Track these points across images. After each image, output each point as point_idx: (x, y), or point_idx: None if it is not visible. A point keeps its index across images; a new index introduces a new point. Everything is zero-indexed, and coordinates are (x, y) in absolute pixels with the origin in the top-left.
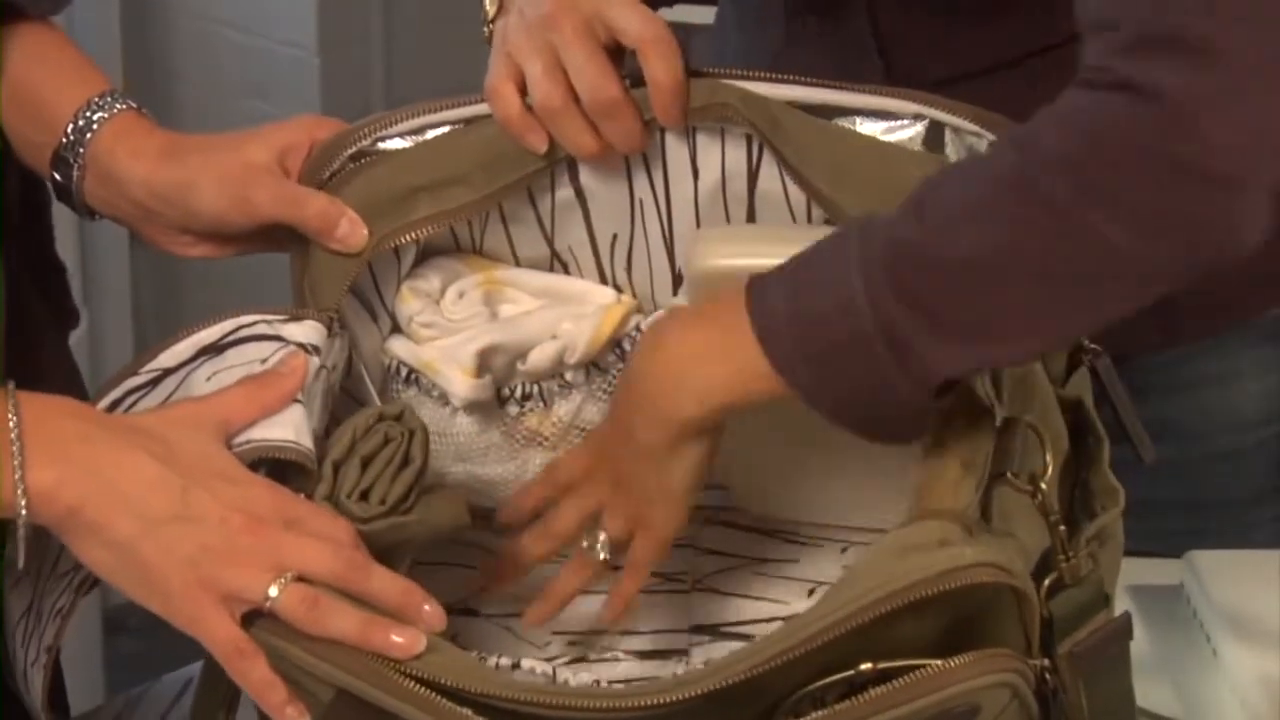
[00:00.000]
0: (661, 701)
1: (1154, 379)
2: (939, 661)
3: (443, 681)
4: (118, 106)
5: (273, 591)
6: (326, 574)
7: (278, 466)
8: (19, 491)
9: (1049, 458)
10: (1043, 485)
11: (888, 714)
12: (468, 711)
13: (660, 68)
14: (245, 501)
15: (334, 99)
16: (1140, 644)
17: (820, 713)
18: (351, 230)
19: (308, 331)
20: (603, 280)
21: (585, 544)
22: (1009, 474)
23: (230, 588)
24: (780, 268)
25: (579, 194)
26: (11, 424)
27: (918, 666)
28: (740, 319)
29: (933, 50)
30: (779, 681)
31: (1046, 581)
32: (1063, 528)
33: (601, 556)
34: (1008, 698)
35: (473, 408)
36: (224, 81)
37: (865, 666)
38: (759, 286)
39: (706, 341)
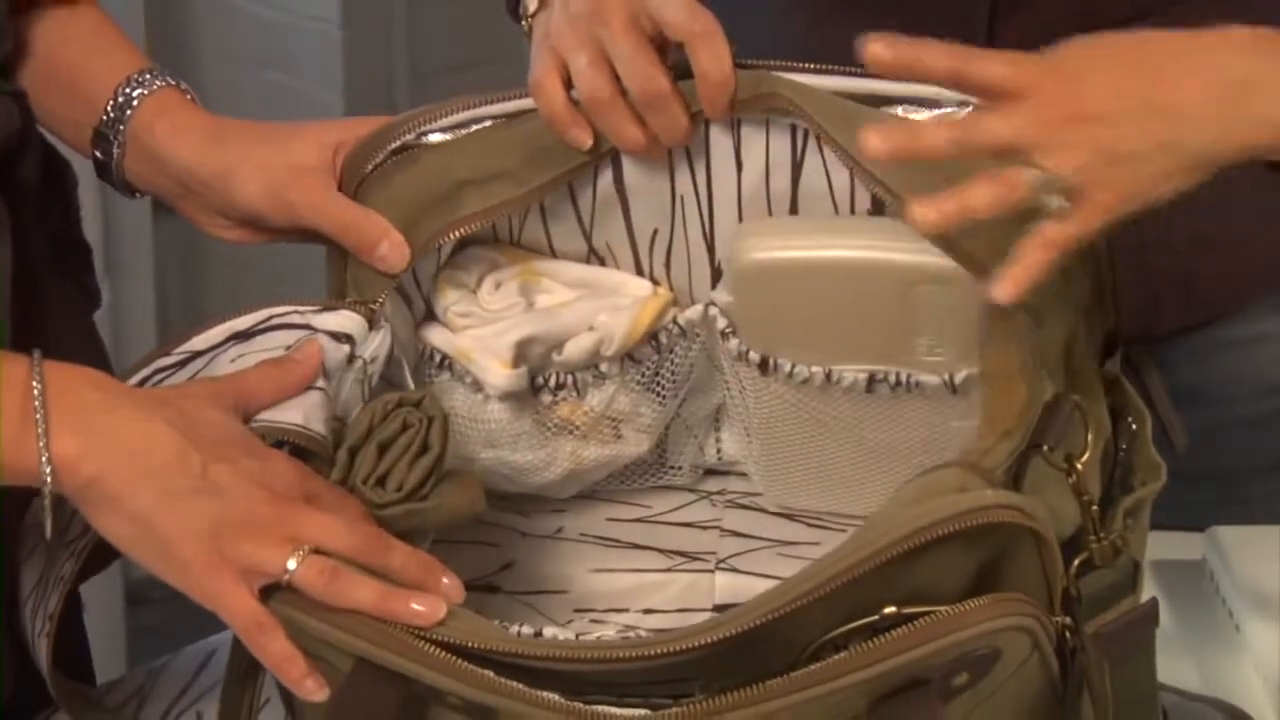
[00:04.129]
0: (687, 647)
1: (1177, 345)
2: (956, 604)
3: (467, 645)
4: (157, 83)
5: (291, 564)
6: (345, 547)
7: (295, 453)
8: (43, 460)
9: (1090, 439)
10: (1079, 465)
11: (907, 655)
12: (489, 673)
13: (708, 60)
14: (265, 475)
15: (357, 73)
16: (1163, 619)
17: (840, 655)
18: (392, 251)
19: (341, 320)
20: (640, 275)
21: (1026, 174)
22: (1045, 448)
23: (249, 561)
24: None
25: (620, 190)
26: (36, 392)
27: (939, 610)
28: None
29: (1050, 3)
30: (802, 628)
31: (1076, 561)
32: (1095, 508)
33: (1053, 201)
34: (1029, 647)
35: (506, 395)
36: (248, 55)
37: (889, 611)
38: None
39: None
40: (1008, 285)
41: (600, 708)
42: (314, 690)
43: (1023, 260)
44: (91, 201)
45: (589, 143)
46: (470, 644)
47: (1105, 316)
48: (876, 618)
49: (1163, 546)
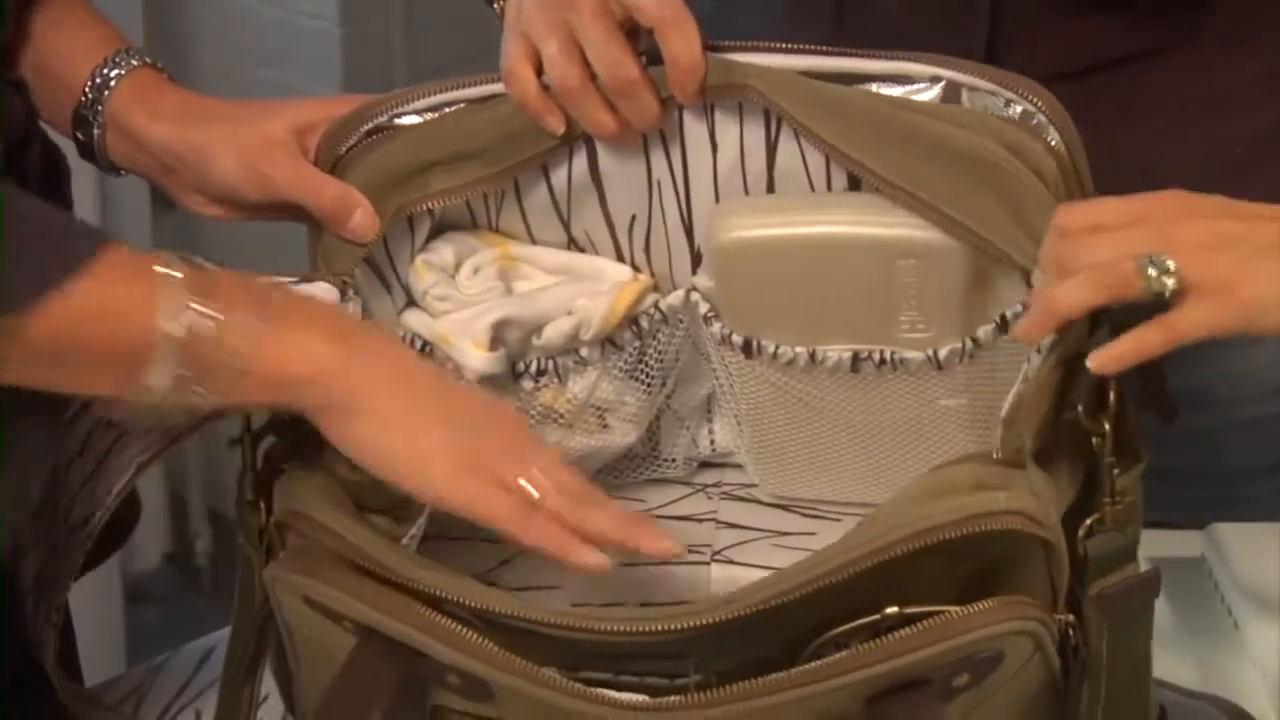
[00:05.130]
0: (687, 626)
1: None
2: (961, 607)
3: (493, 609)
4: (133, 63)
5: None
6: (576, 488)
7: None
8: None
9: (1113, 398)
10: (1106, 425)
11: (910, 657)
12: (492, 646)
13: (678, 46)
14: (505, 416)
15: (356, 70)
16: (1161, 617)
17: (843, 653)
18: (363, 221)
19: (319, 291)
20: (620, 261)
21: (1141, 264)
22: (1079, 407)
23: (508, 478)
24: None
25: (595, 177)
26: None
27: (942, 612)
28: None
29: (1049, 43)
30: (800, 615)
31: (1088, 521)
32: (1117, 470)
33: (1169, 288)
34: (1031, 648)
35: (487, 382)
36: (246, 53)
37: (890, 610)
38: None
39: None
40: (1108, 362)
41: (599, 690)
42: (595, 563)
43: (1137, 339)
44: (90, 200)
45: (562, 129)
46: (497, 609)
47: None
48: (878, 616)
49: (1162, 544)
